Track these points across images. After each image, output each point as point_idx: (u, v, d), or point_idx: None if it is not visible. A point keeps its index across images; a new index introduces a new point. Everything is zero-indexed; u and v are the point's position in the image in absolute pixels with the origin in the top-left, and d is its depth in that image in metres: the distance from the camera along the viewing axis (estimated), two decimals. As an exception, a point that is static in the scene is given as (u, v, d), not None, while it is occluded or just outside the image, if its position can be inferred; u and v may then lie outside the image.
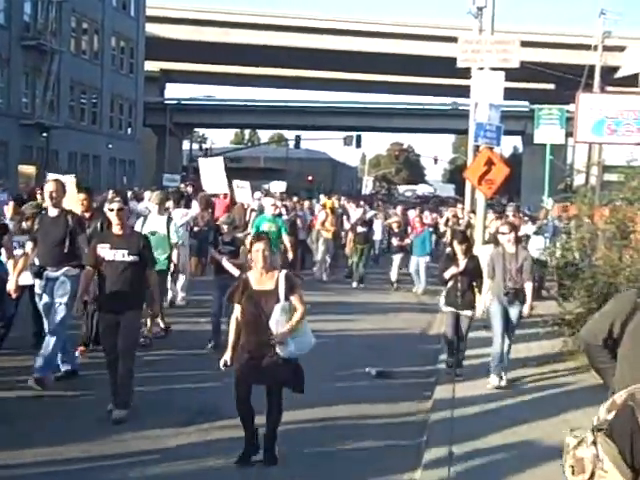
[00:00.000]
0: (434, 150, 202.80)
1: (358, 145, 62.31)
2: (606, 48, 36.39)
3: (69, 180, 11.03)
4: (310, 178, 73.84)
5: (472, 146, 17.88)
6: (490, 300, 9.43)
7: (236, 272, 10.51)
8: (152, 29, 57.06)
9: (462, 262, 9.73)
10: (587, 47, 37.97)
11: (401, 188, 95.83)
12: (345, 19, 63.69)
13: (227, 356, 6.57)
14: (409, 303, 16.62)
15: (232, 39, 61.55)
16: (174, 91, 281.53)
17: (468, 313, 9.81)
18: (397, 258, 19.12)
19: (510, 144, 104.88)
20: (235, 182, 23.18)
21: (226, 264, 11.00)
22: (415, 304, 16.49)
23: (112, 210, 7.86)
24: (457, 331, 9.81)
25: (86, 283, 7.99)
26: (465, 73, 17.09)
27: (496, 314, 9.27)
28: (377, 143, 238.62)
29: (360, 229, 19.40)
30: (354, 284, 18.79)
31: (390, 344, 11.84)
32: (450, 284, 9.83)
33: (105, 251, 7.69)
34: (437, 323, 13.38)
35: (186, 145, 73.66)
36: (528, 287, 9.35)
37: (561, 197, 20.68)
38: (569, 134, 23.47)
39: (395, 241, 19.70)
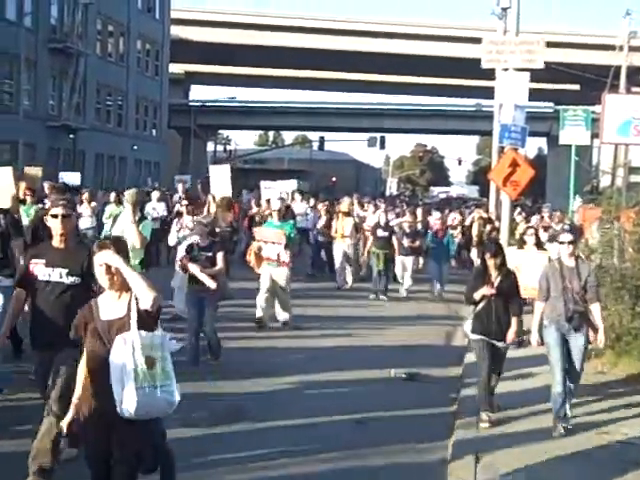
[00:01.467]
0: (458, 151, 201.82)
1: (382, 146, 62.22)
2: (632, 48, 36.07)
3: (3, 170, 9.81)
4: (334, 179, 73.85)
5: (497, 147, 17.83)
6: (545, 328, 7.89)
7: (212, 284, 9.65)
8: (176, 31, 57.43)
9: (496, 279, 8.05)
10: (612, 48, 37.66)
11: (434, 190, 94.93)
12: (369, 20, 63.68)
13: (66, 420, 4.75)
14: (427, 314, 15.42)
15: (255, 41, 61.67)
16: (198, 93, 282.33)
17: (503, 344, 8.11)
18: (409, 261, 17.69)
19: (535, 145, 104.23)
20: (263, 183, 23.66)
21: (200, 274, 9.77)
22: (436, 314, 15.26)
23: (55, 217, 6.08)
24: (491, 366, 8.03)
25: (16, 310, 6.20)
26: (489, 74, 17.03)
27: (554, 345, 7.72)
28: (401, 144, 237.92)
29: (381, 233, 17.40)
30: (373, 296, 16.93)
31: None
32: (480, 306, 8.05)
33: (39, 268, 5.97)
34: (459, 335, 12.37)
35: (210, 147, 73.98)
36: (596, 310, 7.85)
37: (587, 199, 20.51)
38: (595, 135, 23.30)
39: (406, 242, 17.69)
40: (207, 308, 9.79)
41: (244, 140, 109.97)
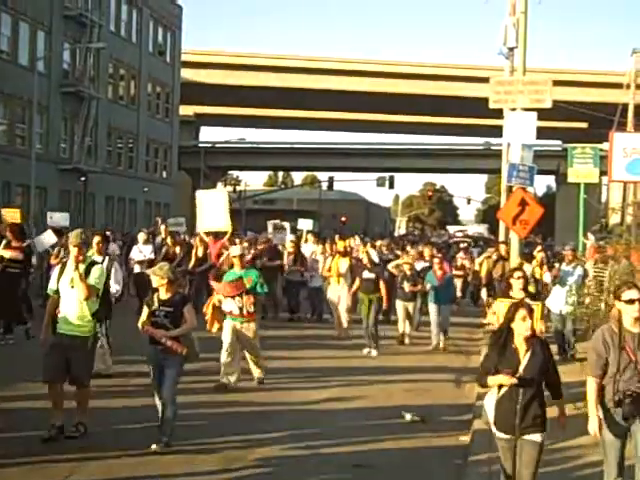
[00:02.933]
0: (467, 190, 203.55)
1: (391, 186, 62.37)
2: (639, 86, 36.28)
3: None
4: (343, 219, 74.04)
5: (505, 186, 17.86)
6: (601, 415, 6.01)
7: (178, 347, 8.06)
8: (186, 74, 58.10)
9: (523, 357, 5.84)
10: (619, 86, 37.92)
11: (451, 229, 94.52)
12: (377, 61, 64.37)
13: None
14: (428, 366, 13.74)
15: (263, 82, 62.33)
16: (208, 134, 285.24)
17: (536, 438, 5.87)
18: (411, 307, 16.23)
19: (543, 183, 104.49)
20: (272, 223, 23.46)
21: (165, 341, 8.10)
22: (440, 366, 13.46)
23: None
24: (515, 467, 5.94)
25: None
26: (497, 113, 17.15)
27: (611, 442, 6.00)
28: (410, 184, 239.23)
29: (367, 275, 15.16)
30: (365, 350, 14.59)
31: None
32: (503, 392, 5.91)
33: None
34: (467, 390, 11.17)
35: (220, 187, 74.33)
36: None
37: (597, 237, 20.47)
38: (603, 173, 23.33)
39: (407, 286, 16.10)
40: (167, 369, 8.15)
41: (254, 181, 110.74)
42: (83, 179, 42.96)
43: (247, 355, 11.44)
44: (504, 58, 20.65)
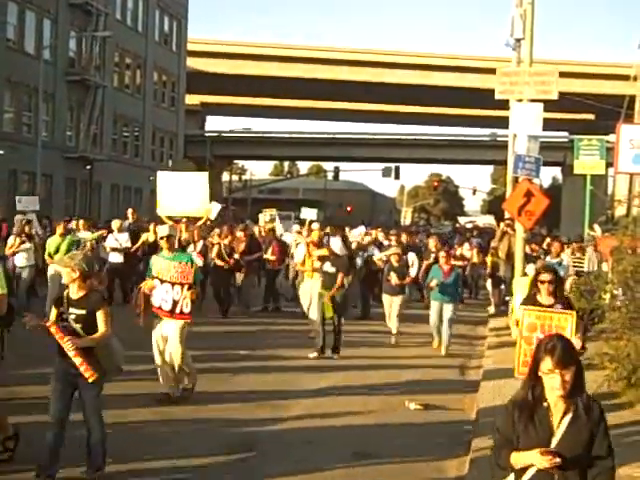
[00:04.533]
0: (473, 181, 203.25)
1: (397, 176, 62.40)
2: (646, 78, 36.20)
3: None
4: (349, 209, 74.06)
5: (511, 177, 17.83)
6: None
7: (87, 371, 6.42)
8: (193, 63, 58.08)
9: (559, 424, 3.95)
10: (627, 77, 37.82)
11: (462, 220, 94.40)
12: (384, 52, 64.24)
13: None
14: (431, 354, 13.40)
15: (270, 72, 62.32)
16: (214, 124, 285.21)
17: None
18: (397, 301, 14.65)
19: (549, 174, 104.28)
20: (266, 213, 23.24)
21: (65, 344, 6.42)
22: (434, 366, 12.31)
23: None
24: None
25: None
26: (504, 104, 17.12)
27: None
28: (415, 174, 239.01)
29: (328, 268, 13.32)
30: (314, 354, 12.69)
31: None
32: (529, 475, 3.98)
33: None
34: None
35: (226, 177, 74.41)
36: None
37: (604, 228, 20.44)
38: (609, 165, 23.29)
39: (394, 278, 14.61)
40: (84, 390, 6.59)
41: (259, 170, 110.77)
42: (89, 167, 43.02)
43: (173, 361, 9.34)
44: (511, 49, 20.61)
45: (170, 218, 18.72)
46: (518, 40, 19.62)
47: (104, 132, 45.67)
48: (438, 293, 13.84)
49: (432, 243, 18.75)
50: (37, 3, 38.68)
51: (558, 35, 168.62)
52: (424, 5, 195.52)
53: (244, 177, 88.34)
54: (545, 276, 7.88)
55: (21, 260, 16.11)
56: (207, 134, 67.91)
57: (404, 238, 22.35)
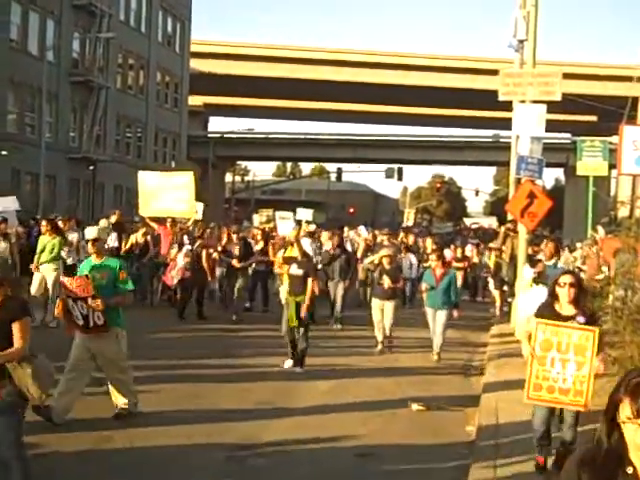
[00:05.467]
0: (475, 182, 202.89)
1: (399, 178, 62.37)
2: (649, 80, 36.15)
3: None
4: (352, 210, 74.08)
5: (514, 179, 17.86)
6: None
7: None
8: (196, 64, 58.14)
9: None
10: (629, 79, 37.80)
11: (467, 221, 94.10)
12: (386, 53, 64.26)
13: None
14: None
15: (273, 73, 62.35)
16: (217, 125, 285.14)
17: None
18: (389, 307, 13.60)
19: (552, 176, 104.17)
20: (278, 214, 23.15)
21: None
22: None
23: None
24: None
25: None
26: (506, 105, 17.14)
27: None
28: (418, 175, 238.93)
29: (295, 270, 11.99)
30: (287, 364, 11.72)
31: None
32: None
33: None
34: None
35: (229, 178, 74.45)
36: None
37: (607, 230, 20.45)
38: (612, 166, 23.34)
39: (387, 282, 13.51)
40: None
41: (262, 171, 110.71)
42: (92, 168, 43.08)
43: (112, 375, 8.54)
44: (514, 51, 20.63)
45: (154, 219, 18.66)
46: (521, 41, 19.64)
47: (107, 133, 45.74)
48: (430, 299, 13.08)
49: (429, 244, 18.43)
50: (41, 4, 38.75)
51: (561, 36, 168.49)
52: (428, 6, 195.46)
53: (247, 178, 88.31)
54: (565, 278, 6.69)
55: None
56: (210, 135, 67.97)
57: (405, 239, 22.25)
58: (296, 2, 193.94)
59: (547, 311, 6.71)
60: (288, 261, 12.49)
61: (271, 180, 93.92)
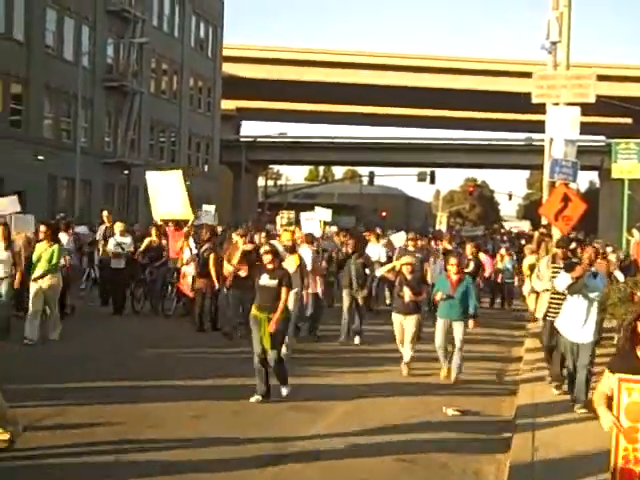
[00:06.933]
0: (508, 186, 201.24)
1: (432, 181, 62.20)
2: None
3: None
4: (384, 214, 73.98)
5: (547, 182, 17.74)
6: None
7: None
8: (228, 68, 58.50)
9: None
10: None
11: (507, 225, 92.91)
12: (417, 55, 64.15)
13: None
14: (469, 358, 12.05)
15: (305, 77, 62.53)
16: (249, 129, 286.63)
17: None
18: (410, 322, 11.90)
19: (586, 179, 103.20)
20: (303, 215, 22.84)
21: None
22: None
23: None
24: None
25: None
26: (540, 108, 17.05)
27: None
28: (450, 179, 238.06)
29: (266, 281, 9.83)
30: (255, 398, 9.57)
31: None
32: None
33: None
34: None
35: (261, 182, 74.74)
36: None
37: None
38: (648, 169, 23.05)
39: (407, 294, 11.91)
40: None
41: (294, 175, 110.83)
42: (126, 172, 43.50)
43: None
44: (547, 53, 20.51)
45: (164, 222, 18.14)
46: (554, 43, 19.52)
47: (141, 137, 46.21)
48: (445, 309, 11.64)
49: (469, 249, 17.48)
50: (76, 10, 39.25)
51: (594, 37, 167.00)
52: (460, 8, 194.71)
53: (279, 182, 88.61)
54: None
55: None
56: (242, 139, 68.33)
57: (448, 243, 21.82)
58: (329, 6, 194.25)
59: (628, 363, 4.81)
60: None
61: (303, 184, 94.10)
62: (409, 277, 12.07)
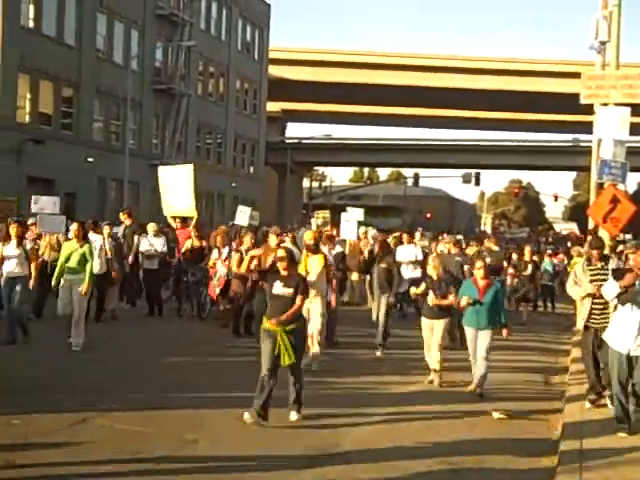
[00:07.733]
0: (554, 187, 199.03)
1: (477, 183, 61.92)
2: None
3: None
4: (428, 215, 73.77)
5: (595, 183, 17.61)
6: None
7: None
8: (274, 71, 58.90)
9: None
10: None
11: (557, 227, 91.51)
12: (463, 57, 63.90)
13: None
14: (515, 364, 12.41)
15: (350, 79, 62.65)
16: (294, 131, 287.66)
17: None
18: (439, 326, 11.40)
19: (635, 180, 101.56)
20: (343, 215, 22.69)
21: None
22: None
23: None
24: None
25: None
26: (587, 109, 16.94)
27: None
28: (495, 180, 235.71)
29: (279, 289, 8.83)
30: (247, 415, 8.52)
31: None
32: None
33: None
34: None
35: (306, 183, 75.01)
36: None
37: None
38: (699, 170, 22.71)
39: (431, 297, 11.43)
40: None
41: (339, 176, 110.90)
42: (173, 174, 43.96)
43: None
44: (595, 53, 20.35)
45: (175, 218, 18.00)
46: (603, 43, 19.37)
47: (188, 139, 46.75)
48: (471, 316, 10.87)
49: (527, 252, 17.33)
50: (125, 14, 39.86)
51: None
52: (508, 9, 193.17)
53: (324, 183, 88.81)
54: None
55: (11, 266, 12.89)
56: (288, 141, 68.60)
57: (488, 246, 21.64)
58: (373, 8, 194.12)
59: None
60: (273, 278, 8.93)
61: (348, 185, 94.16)
62: (435, 279, 11.54)
